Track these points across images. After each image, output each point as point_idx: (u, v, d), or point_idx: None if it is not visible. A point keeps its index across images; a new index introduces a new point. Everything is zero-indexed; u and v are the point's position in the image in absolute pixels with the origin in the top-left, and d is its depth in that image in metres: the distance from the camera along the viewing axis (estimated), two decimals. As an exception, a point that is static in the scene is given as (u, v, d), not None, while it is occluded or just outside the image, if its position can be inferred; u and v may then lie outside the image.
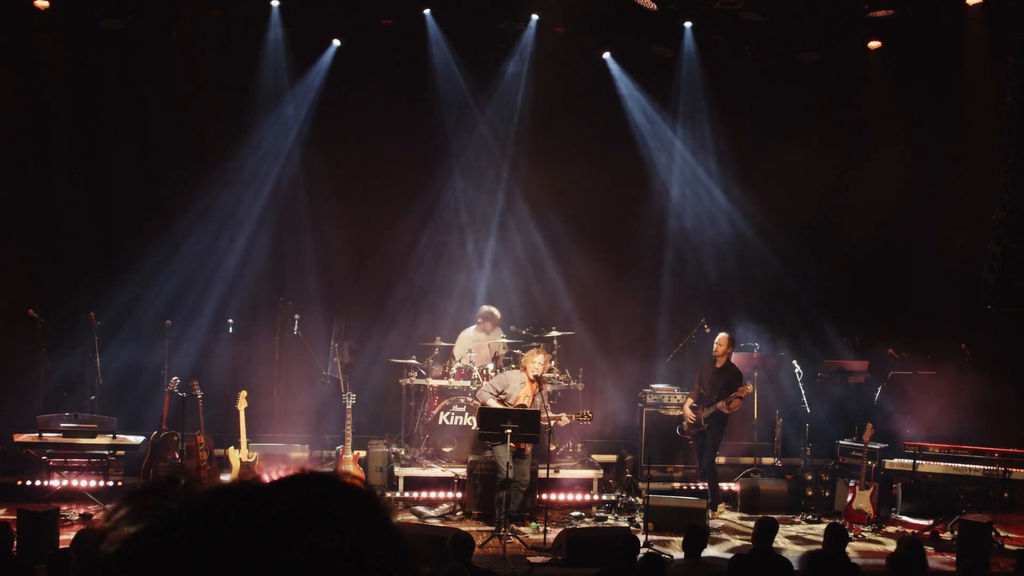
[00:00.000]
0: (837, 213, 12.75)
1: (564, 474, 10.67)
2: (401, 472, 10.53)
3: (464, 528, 8.46)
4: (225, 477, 10.05)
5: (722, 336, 10.62)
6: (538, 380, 9.58)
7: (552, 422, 9.67)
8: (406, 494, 10.45)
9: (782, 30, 12.09)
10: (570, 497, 10.55)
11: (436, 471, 10.53)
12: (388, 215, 12.33)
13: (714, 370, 10.55)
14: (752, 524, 7.07)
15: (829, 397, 11.72)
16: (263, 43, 12.01)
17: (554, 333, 11.42)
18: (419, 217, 12.42)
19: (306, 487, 1.00)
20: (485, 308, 11.49)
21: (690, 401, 10.64)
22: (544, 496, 9.86)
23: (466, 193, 12.59)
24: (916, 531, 9.71)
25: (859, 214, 12.81)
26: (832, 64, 12.49)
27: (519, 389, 9.59)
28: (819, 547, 6.87)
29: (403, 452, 10.91)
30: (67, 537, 7.80)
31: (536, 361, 9.58)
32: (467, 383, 10.85)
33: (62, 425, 9.96)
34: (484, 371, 10.80)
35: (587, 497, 10.60)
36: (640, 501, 9.98)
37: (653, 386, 11.35)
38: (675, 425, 10.97)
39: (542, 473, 9.59)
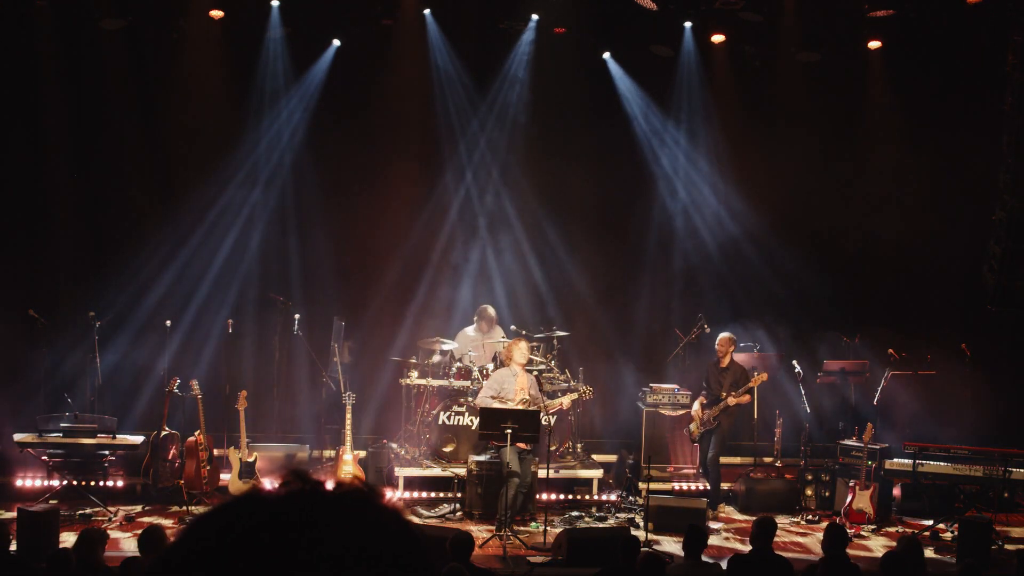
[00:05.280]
0: (837, 213, 12.75)
1: (564, 474, 10.66)
2: (401, 472, 10.52)
3: (464, 528, 8.46)
4: (225, 477, 10.08)
5: (722, 336, 10.63)
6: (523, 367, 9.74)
7: (551, 411, 9.73)
8: (406, 494, 10.44)
9: (782, 30, 12.10)
10: (570, 497, 10.56)
11: (436, 471, 10.53)
12: (388, 215, 12.33)
13: (719, 370, 10.56)
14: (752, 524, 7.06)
15: (829, 397, 11.72)
16: (263, 43, 12.01)
17: (554, 333, 11.43)
18: (419, 217, 12.42)
19: (316, 495, 1.01)
20: (482, 307, 11.54)
21: (701, 400, 10.63)
22: (544, 496, 9.86)
23: (466, 192, 12.59)
24: (916, 531, 9.71)
25: (859, 214, 12.82)
26: (832, 64, 12.48)
27: (514, 383, 9.67)
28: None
29: (403, 452, 10.91)
30: (67, 537, 7.81)
31: (521, 347, 9.75)
32: (467, 383, 10.86)
33: (62, 425, 9.95)
34: (484, 371, 10.80)
35: (587, 497, 10.60)
36: (640, 501, 9.98)
37: (653, 386, 11.35)
38: (676, 425, 10.97)
39: (542, 473, 9.59)
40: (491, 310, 11.51)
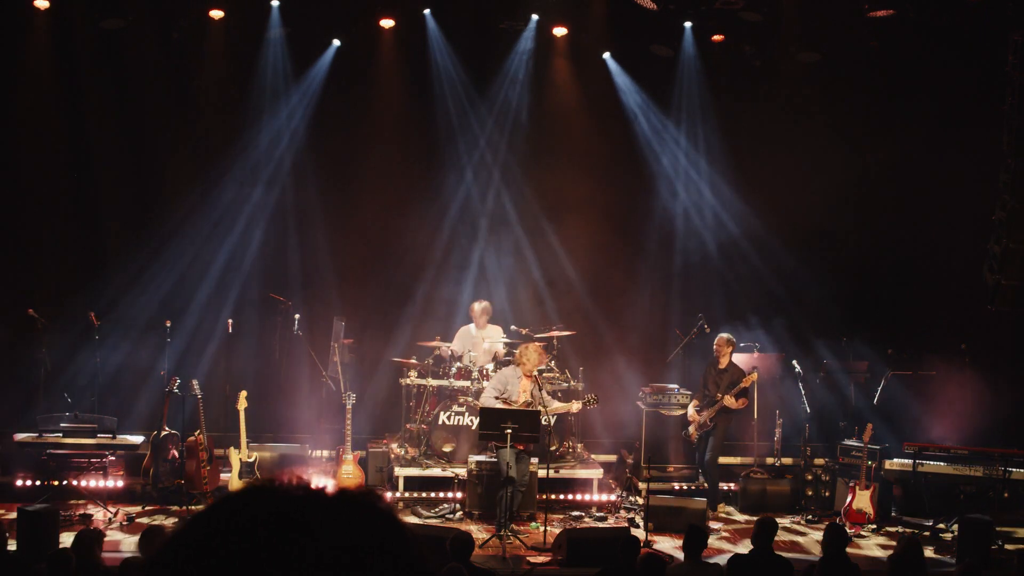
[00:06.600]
0: (836, 213, 12.73)
1: (564, 474, 10.66)
2: (401, 472, 10.53)
3: (464, 528, 8.46)
4: (225, 477, 10.08)
5: (720, 337, 10.65)
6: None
7: (553, 416, 9.73)
8: (406, 494, 10.45)
9: (782, 30, 12.10)
10: (570, 497, 10.55)
11: (436, 471, 10.53)
12: (388, 215, 12.33)
13: (717, 371, 10.58)
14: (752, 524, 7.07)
15: (829, 397, 11.71)
16: (263, 43, 12.01)
17: (554, 333, 11.42)
18: (419, 217, 12.43)
19: (313, 496, 1.01)
20: (477, 304, 11.49)
21: (695, 403, 10.65)
22: (544, 496, 9.86)
23: (466, 193, 12.59)
24: (916, 531, 9.71)
25: (858, 214, 12.81)
26: (832, 64, 12.48)
27: (518, 384, 9.66)
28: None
29: (403, 452, 10.91)
30: (67, 537, 7.80)
31: (535, 353, 9.67)
32: (467, 383, 10.85)
33: (62, 425, 9.95)
34: (484, 371, 10.80)
35: (587, 497, 10.60)
36: (640, 501, 9.98)
37: (653, 386, 11.34)
38: (676, 425, 10.97)
39: (542, 473, 9.59)
40: (479, 305, 11.43)
